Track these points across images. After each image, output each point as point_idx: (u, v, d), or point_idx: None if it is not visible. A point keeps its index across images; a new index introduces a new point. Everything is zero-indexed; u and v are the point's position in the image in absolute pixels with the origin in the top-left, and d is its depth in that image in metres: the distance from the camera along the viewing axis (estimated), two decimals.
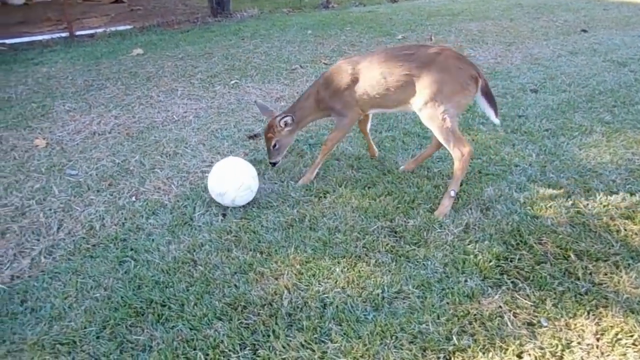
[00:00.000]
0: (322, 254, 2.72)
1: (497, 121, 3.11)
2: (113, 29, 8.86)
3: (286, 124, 3.30)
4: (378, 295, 2.43)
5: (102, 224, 3.10)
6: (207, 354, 2.14)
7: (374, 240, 2.82)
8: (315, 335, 2.22)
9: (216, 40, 7.74)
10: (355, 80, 3.16)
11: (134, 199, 3.33)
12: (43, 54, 7.42)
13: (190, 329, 2.28)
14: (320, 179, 3.47)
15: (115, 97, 5.24)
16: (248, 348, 2.18)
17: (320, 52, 6.54)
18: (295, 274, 2.59)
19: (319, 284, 2.52)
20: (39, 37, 8.50)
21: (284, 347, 2.17)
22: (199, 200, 3.28)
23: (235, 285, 2.53)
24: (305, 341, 2.19)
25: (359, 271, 2.60)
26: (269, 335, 2.23)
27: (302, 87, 5.13)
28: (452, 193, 3.05)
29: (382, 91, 3.09)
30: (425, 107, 2.97)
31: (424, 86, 2.96)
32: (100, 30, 8.76)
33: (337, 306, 2.37)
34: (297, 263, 2.66)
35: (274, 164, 3.45)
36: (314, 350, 2.15)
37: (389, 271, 2.59)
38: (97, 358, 2.17)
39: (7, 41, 8.19)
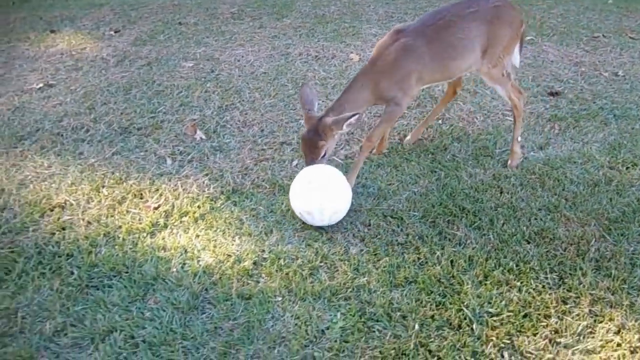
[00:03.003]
0: (631, 219, 2.73)
1: (518, 64, 3.13)
2: None
3: (350, 125, 2.61)
4: None
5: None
6: (518, 265, 2.41)
7: None
8: (623, 286, 2.32)
9: None
10: (423, 56, 2.73)
11: (439, 122, 3.69)
12: None
13: (500, 242, 2.57)
14: (628, 149, 3.36)
15: None
16: (555, 273, 2.38)
17: (625, 25, 6.02)
18: (603, 228, 2.66)
19: (628, 243, 2.57)
20: None
21: (590, 284, 2.32)
22: (500, 137, 3.49)
23: (542, 219, 2.72)
24: (613, 287, 2.30)
25: None
26: (575, 270, 2.40)
27: (605, 57, 4.87)
28: (520, 139, 3.19)
29: (451, 60, 2.80)
30: (492, 69, 2.91)
31: (491, 45, 2.82)
32: None
33: None
34: (604, 219, 2.72)
35: None
36: (621, 297, 2.25)
37: None
38: (420, 236, 2.60)
39: None
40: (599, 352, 2.04)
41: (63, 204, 2.86)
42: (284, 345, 2.07)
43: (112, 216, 2.77)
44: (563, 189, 2.97)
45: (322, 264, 2.45)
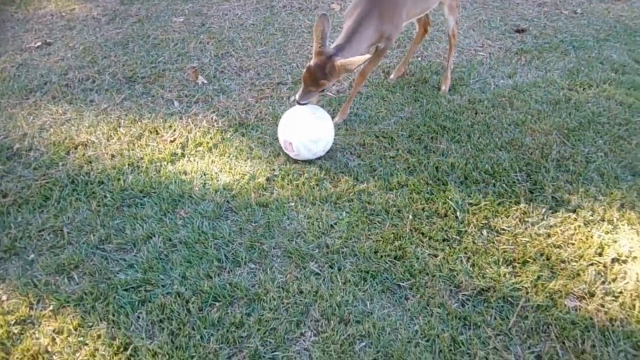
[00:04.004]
0: (586, 128, 3.18)
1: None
2: None
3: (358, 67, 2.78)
4: (636, 166, 2.86)
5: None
6: (492, 167, 2.83)
7: (635, 129, 3.18)
8: (579, 178, 2.76)
9: None
10: None
11: (419, 59, 4.05)
12: None
13: (477, 151, 2.98)
14: (584, 74, 3.80)
15: None
16: (523, 172, 2.82)
17: None
18: (563, 136, 3.10)
19: (584, 146, 3.01)
20: None
21: (552, 178, 2.76)
22: (473, 70, 3.88)
23: (511, 132, 3.14)
24: (572, 180, 2.75)
25: (621, 146, 3.02)
26: (540, 168, 2.83)
27: None
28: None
29: None
30: (453, 0, 3.37)
31: None
32: None
33: (599, 165, 2.86)
34: (564, 129, 3.16)
35: (299, 103, 2.87)
36: (578, 186, 2.70)
37: None
38: (409, 150, 3.00)
39: None
40: (560, 226, 2.49)
41: (85, 143, 3.15)
42: (301, 237, 2.46)
43: (132, 150, 3.08)
44: (529, 107, 3.39)
45: (325, 176, 2.83)
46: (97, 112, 3.45)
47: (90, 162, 2.98)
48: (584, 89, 3.63)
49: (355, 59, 2.66)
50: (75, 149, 3.11)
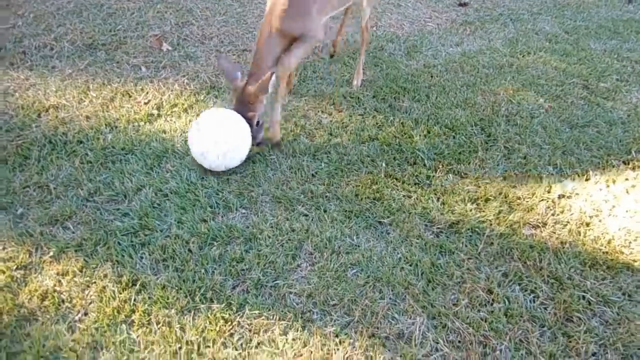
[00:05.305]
0: (529, 88, 3.56)
1: None
2: None
3: (272, 84, 2.71)
4: (573, 120, 3.26)
5: (353, 40, 4.11)
6: (452, 123, 3.14)
7: (570, 89, 3.60)
8: (526, 130, 3.13)
9: None
10: None
11: (374, 29, 4.30)
12: None
13: (436, 109, 3.27)
14: (523, 43, 4.21)
15: None
16: (478, 126, 3.14)
17: None
18: (509, 95, 3.47)
19: (528, 104, 3.39)
20: None
21: (503, 131, 3.10)
22: (425, 39, 4.18)
23: (464, 92, 3.46)
24: (520, 132, 3.11)
25: (559, 104, 3.42)
26: (492, 123, 3.17)
27: None
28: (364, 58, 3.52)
29: None
30: None
31: None
32: None
33: (541, 120, 3.24)
34: (510, 90, 3.53)
35: (259, 144, 2.81)
36: (525, 137, 3.06)
37: (582, 109, 3.39)
38: (375, 108, 3.24)
39: None
40: (513, 170, 2.83)
41: (56, 105, 3.14)
42: (286, 184, 2.64)
43: (107, 111, 3.11)
44: (477, 71, 3.74)
45: (301, 132, 3.02)
46: (62, 77, 3.42)
47: (65, 124, 2.99)
48: (523, 55, 4.03)
49: (263, 80, 2.63)
50: (46, 111, 3.09)
